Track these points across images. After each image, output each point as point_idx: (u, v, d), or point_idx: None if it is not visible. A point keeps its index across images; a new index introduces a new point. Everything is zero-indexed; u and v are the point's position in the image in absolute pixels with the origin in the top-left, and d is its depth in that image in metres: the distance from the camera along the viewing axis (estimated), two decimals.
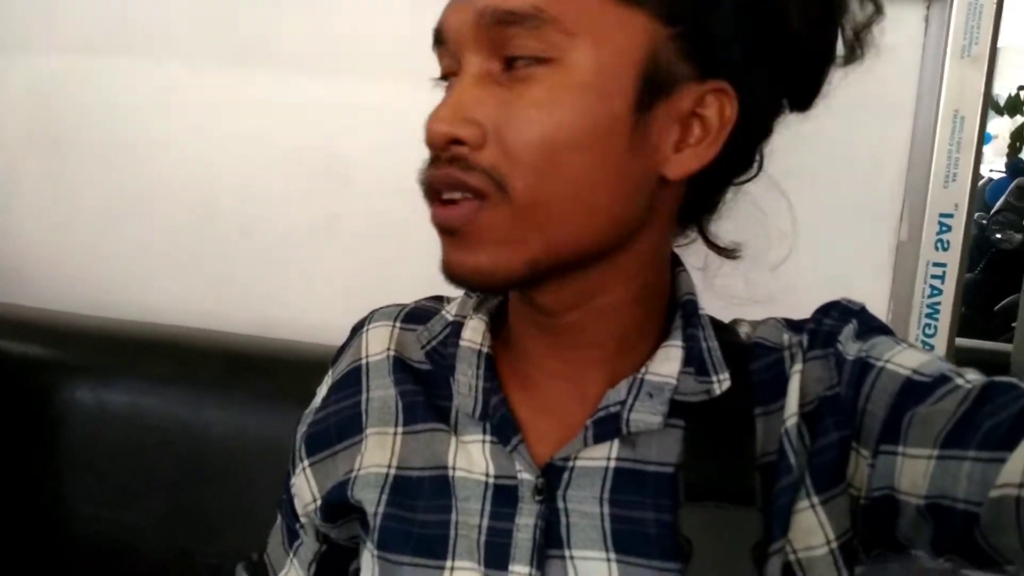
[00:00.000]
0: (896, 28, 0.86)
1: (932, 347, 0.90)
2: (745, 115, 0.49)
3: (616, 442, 0.52)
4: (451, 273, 0.48)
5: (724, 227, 0.60)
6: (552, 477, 0.52)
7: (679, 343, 0.52)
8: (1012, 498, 0.38)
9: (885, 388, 0.47)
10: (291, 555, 0.65)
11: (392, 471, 0.57)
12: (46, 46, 1.08)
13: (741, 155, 0.53)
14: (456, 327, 0.58)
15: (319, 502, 0.60)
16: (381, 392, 0.60)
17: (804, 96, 0.54)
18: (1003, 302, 2.66)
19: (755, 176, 0.56)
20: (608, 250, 0.49)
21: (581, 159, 0.46)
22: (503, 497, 0.53)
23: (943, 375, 0.45)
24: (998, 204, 2.90)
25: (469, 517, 0.53)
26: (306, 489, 0.62)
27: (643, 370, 0.52)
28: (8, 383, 0.72)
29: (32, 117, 1.09)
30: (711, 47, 0.47)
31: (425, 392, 0.58)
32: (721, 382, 0.52)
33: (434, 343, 0.59)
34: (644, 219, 0.50)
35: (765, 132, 0.54)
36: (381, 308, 0.64)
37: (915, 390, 0.45)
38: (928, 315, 0.89)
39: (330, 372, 0.65)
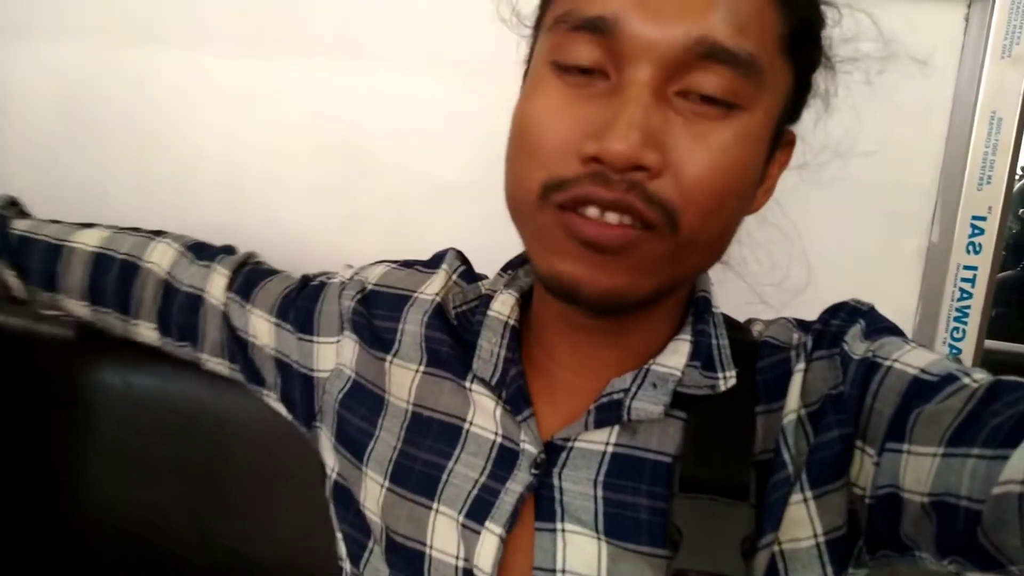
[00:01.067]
0: (936, 28, 0.84)
1: (959, 351, 0.89)
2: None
3: (616, 428, 0.53)
4: (576, 288, 0.46)
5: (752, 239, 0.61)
6: (551, 454, 0.54)
7: (688, 337, 0.54)
8: (1015, 495, 0.38)
9: (892, 387, 0.47)
10: (274, 312, 0.69)
11: (411, 407, 0.60)
12: (79, 32, 1.09)
13: None
14: (486, 299, 0.60)
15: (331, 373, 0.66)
16: (412, 327, 0.62)
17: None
18: None
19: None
20: None
21: (736, 205, 0.47)
22: (504, 460, 0.55)
23: (950, 374, 0.46)
24: None
25: (470, 470, 0.56)
26: (331, 355, 0.66)
27: (650, 361, 0.53)
28: (39, 365, 0.74)
29: (66, 104, 1.10)
30: (805, 96, 0.52)
31: (452, 344, 0.60)
32: (727, 379, 0.53)
33: (464, 308, 0.62)
34: None
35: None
36: (454, 252, 0.67)
37: (922, 389, 0.46)
38: (957, 319, 0.88)
39: (388, 265, 0.69)
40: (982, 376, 0.45)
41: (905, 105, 0.86)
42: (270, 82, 1.05)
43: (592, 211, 0.44)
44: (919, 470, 0.44)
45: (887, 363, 0.48)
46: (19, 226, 0.76)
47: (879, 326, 0.53)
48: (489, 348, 0.57)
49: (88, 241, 0.75)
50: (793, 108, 0.51)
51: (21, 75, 1.10)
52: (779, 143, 0.51)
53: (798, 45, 0.47)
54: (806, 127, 0.55)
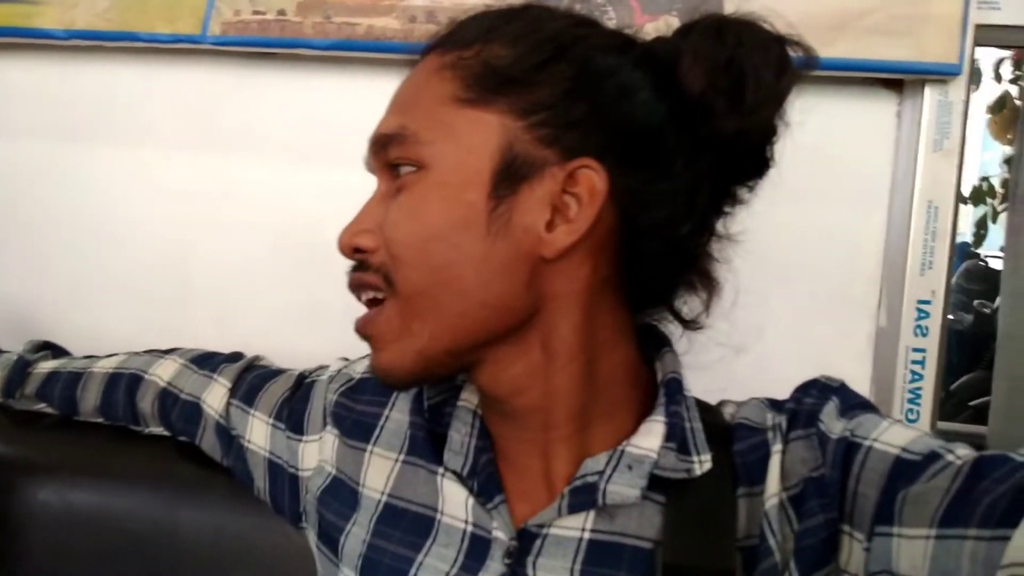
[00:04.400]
0: (869, 122, 0.89)
1: None
2: (646, 189, 0.51)
3: (592, 513, 0.52)
4: (374, 373, 0.54)
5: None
6: (525, 543, 0.53)
7: (662, 418, 0.53)
8: None
9: (875, 468, 0.47)
10: (273, 415, 0.72)
11: (384, 498, 0.59)
12: (23, 131, 1.07)
13: (674, 230, 0.52)
14: (457, 390, 0.61)
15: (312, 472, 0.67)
16: (398, 415, 0.63)
17: (746, 170, 0.55)
18: (958, 381, 2.71)
19: (702, 253, 0.56)
20: (504, 332, 0.51)
21: (443, 248, 0.50)
22: (476, 550, 0.54)
23: (933, 451, 0.46)
24: None
25: (441, 562, 0.55)
26: (315, 453, 0.67)
27: (624, 442, 0.52)
28: None
29: (7, 203, 1.07)
30: (569, 132, 0.50)
31: (428, 431, 0.61)
32: (702, 463, 0.52)
33: (437, 399, 0.61)
34: (534, 300, 0.51)
35: (708, 206, 0.54)
36: None
37: (906, 469, 0.46)
38: (910, 400, 0.90)
39: None
40: (965, 452, 0.46)
41: (846, 195, 0.90)
42: (220, 178, 1.04)
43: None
44: (913, 554, 0.43)
45: (867, 443, 0.48)
46: (45, 366, 0.85)
47: (853, 403, 0.53)
48: (460, 439, 0.58)
49: (106, 365, 0.83)
50: (552, 136, 0.50)
51: None
52: (525, 178, 0.50)
53: (487, 92, 0.50)
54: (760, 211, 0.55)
